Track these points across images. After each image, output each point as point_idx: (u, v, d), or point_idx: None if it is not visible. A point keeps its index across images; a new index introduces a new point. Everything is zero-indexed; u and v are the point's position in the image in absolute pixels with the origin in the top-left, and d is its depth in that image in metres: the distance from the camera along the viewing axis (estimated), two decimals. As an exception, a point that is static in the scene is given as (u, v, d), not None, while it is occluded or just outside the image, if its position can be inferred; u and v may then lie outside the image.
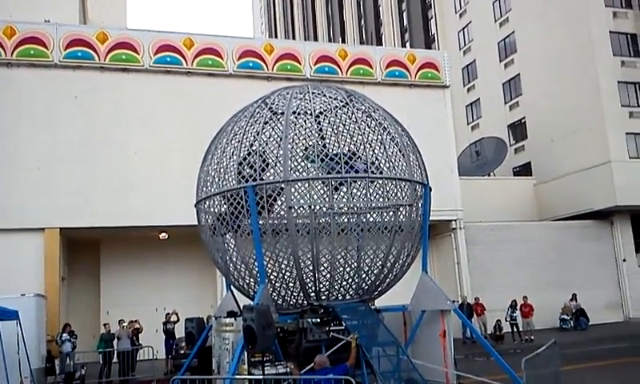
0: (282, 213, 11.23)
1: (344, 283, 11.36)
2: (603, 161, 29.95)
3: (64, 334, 18.47)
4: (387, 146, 11.43)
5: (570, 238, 29.68)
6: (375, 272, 11.33)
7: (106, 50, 22.38)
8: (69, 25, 23.49)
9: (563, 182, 31.95)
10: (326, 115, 12.02)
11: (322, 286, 11.22)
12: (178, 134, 22.49)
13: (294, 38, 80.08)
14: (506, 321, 24.59)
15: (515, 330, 24.39)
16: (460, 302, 23.48)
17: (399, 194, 11.46)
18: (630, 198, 29.09)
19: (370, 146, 11.39)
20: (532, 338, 23.43)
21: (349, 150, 11.20)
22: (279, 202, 11.15)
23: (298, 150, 12.05)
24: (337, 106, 11.85)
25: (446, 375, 11.31)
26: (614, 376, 14.16)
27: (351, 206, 11.22)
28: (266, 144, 11.85)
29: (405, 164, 11.48)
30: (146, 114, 22.58)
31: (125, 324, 19.84)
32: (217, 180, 11.55)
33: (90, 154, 21.71)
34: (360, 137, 11.34)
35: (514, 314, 24.54)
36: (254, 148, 11.47)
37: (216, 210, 11.68)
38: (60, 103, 21.74)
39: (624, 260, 30.27)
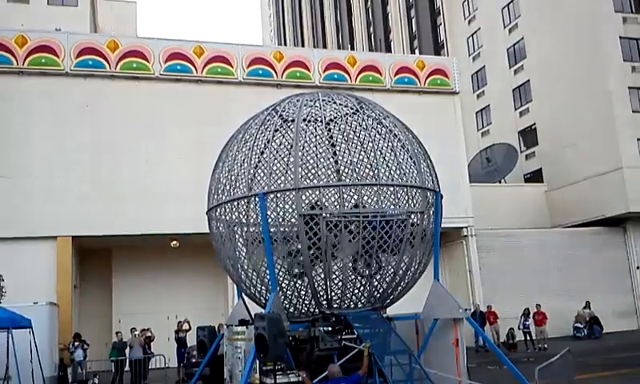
0: (293, 220, 11.21)
1: (356, 291, 11.31)
2: (615, 167, 29.73)
3: (75, 343, 18.57)
4: (398, 153, 11.39)
5: (582, 245, 29.44)
6: (387, 280, 11.28)
7: (117, 58, 22.51)
8: (80, 33, 23.71)
9: (575, 189, 31.73)
10: (336, 122, 12.02)
11: (333, 294, 11.17)
12: (189, 141, 22.56)
13: (302, 45, 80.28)
14: (519, 329, 24.40)
15: (528, 338, 24.18)
16: (472, 310, 23.34)
17: (410, 202, 11.41)
18: (642, 204, 28.84)
19: (381, 153, 11.36)
20: (546, 346, 23.23)
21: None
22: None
23: (308, 158, 12.05)
24: (347, 114, 11.85)
25: (458, 384, 11.23)
26: (629, 385, 14.00)
27: (362, 213, 11.17)
28: (277, 152, 11.85)
29: (416, 171, 11.44)
30: (156, 122, 22.66)
31: (137, 332, 19.88)
32: (228, 187, 11.56)
33: (101, 162, 21.83)
34: (370, 144, 11.32)
35: (527, 322, 24.33)
36: (264, 155, 11.49)
37: (227, 218, 11.68)
38: (71, 112, 21.88)
39: (638, 267, 29.98)
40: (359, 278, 11.21)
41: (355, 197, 11.45)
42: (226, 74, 23.79)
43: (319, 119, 11.77)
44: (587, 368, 15.81)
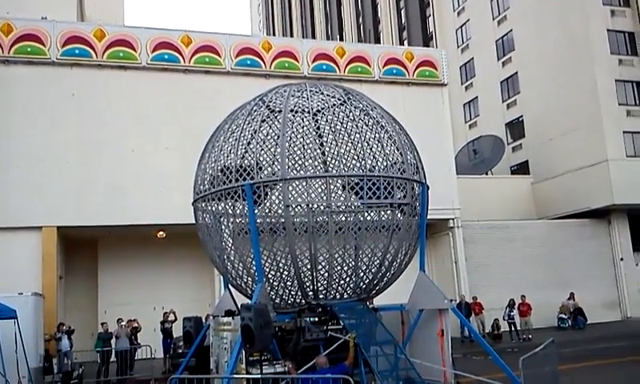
0: (280, 211, 11.20)
1: (342, 282, 11.34)
2: (600, 159, 29.98)
3: (63, 327, 18.60)
4: (385, 145, 11.39)
5: (567, 237, 29.72)
6: (373, 271, 11.30)
7: (104, 47, 22.32)
8: (66, 22, 23.40)
9: (561, 181, 31.97)
10: (323, 113, 12.00)
11: (319, 284, 11.20)
12: (176, 131, 22.46)
13: (291, 35, 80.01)
14: (504, 320, 24.60)
15: (513, 328, 24.40)
16: (458, 301, 23.48)
17: (397, 193, 11.43)
18: (627, 196, 29.13)
19: (368, 145, 11.36)
20: (530, 336, 23.45)
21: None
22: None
23: (295, 149, 12.04)
24: (335, 104, 11.83)
25: (443, 374, 11.30)
26: (611, 375, 14.16)
27: (349, 204, 11.20)
28: (264, 142, 11.83)
29: (402, 162, 11.45)
30: (143, 112, 22.52)
31: (123, 323, 19.83)
32: (214, 178, 11.51)
33: (87, 152, 21.67)
34: (358, 135, 11.32)
35: (512, 313, 24.55)
36: (251, 146, 11.45)
37: (213, 209, 11.65)
38: (57, 101, 21.67)
39: (621, 259, 30.31)
40: (345, 268, 11.24)
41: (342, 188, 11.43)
42: (213, 63, 23.66)
43: (306, 110, 11.73)
44: (571, 358, 16.01)
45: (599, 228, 30.66)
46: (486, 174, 35.39)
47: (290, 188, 11.34)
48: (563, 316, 27.39)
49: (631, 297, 29.92)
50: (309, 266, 10.95)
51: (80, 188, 21.34)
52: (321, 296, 11.20)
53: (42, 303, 18.27)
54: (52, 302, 20.20)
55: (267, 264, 11.09)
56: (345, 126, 11.64)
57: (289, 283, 11.17)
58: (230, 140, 11.43)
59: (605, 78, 31.29)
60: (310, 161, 12.19)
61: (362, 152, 11.18)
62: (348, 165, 11.85)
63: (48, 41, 21.73)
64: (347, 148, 11.74)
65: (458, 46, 43.89)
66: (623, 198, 29.08)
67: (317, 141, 12.14)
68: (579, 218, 30.66)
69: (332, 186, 11.64)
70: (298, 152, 12.17)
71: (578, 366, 15.22)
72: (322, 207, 11.39)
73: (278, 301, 11.40)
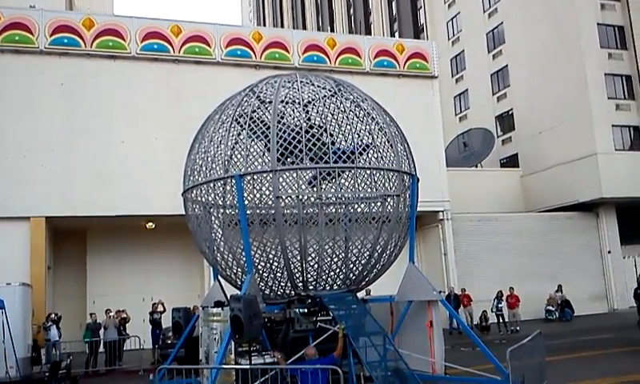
0: (270, 202, 11.20)
1: (331, 273, 11.37)
2: (589, 153, 30.13)
3: (52, 316, 18.57)
4: (375, 136, 11.42)
5: (555, 230, 29.90)
6: (363, 262, 11.34)
7: (93, 36, 22.14)
8: (55, 11, 23.20)
9: (550, 174, 32.13)
10: (314, 104, 11.97)
11: (309, 276, 11.22)
12: (165, 122, 22.35)
13: (282, 26, 79.69)
14: (492, 311, 24.74)
15: (501, 320, 24.55)
16: (447, 293, 23.60)
17: (387, 185, 11.46)
18: (615, 190, 29.33)
19: (359, 136, 11.36)
20: (518, 328, 23.61)
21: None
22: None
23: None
24: (325, 96, 11.82)
25: (431, 365, 11.38)
26: (598, 366, 14.29)
27: (339, 196, 11.22)
28: (254, 133, 11.79)
29: (393, 154, 11.48)
30: (132, 102, 22.39)
31: (112, 314, 19.79)
32: (204, 169, 11.49)
33: (75, 142, 21.52)
34: (348, 126, 11.31)
35: (500, 305, 24.68)
36: (241, 137, 11.43)
37: (203, 199, 11.63)
38: (46, 90, 21.49)
39: (609, 252, 30.54)
40: (335, 260, 11.26)
41: (333, 179, 11.45)
42: (203, 53, 23.54)
43: (297, 101, 11.71)
44: (557, 350, 16.15)
45: (587, 221, 30.86)
46: (476, 166, 35.52)
47: (281, 179, 11.35)
48: (551, 308, 27.59)
49: (618, 289, 30.17)
50: (298, 258, 10.97)
51: (69, 178, 21.21)
52: (310, 287, 11.23)
53: (30, 293, 18.17)
54: (40, 292, 20.08)
55: (257, 255, 11.09)
56: (335, 117, 11.64)
57: (278, 274, 11.19)
58: (220, 130, 11.40)
59: (594, 71, 31.43)
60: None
61: (352, 143, 11.19)
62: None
63: (36, 30, 21.53)
64: (338, 139, 11.73)
65: (449, 39, 43.90)
66: (611, 191, 29.28)
67: (307, 132, 12.11)
68: (568, 211, 30.85)
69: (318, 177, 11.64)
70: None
71: (564, 357, 15.35)
72: (312, 198, 11.41)
73: (267, 292, 11.42)
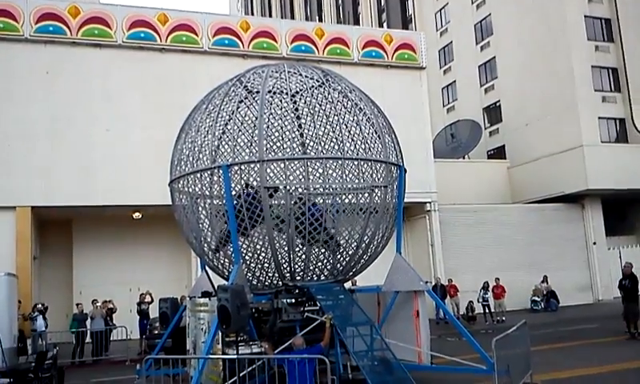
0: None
1: (319, 264, 11.38)
2: (575, 145, 30.33)
3: (38, 306, 18.50)
4: (363, 127, 11.42)
5: (542, 221, 30.11)
6: (350, 253, 11.37)
7: (78, 24, 21.91)
8: (40, -2, 22.92)
9: (536, 166, 32.32)
10: (302, 95, 11.96)
11: (296, 266, 11.23)
12: (153, 111, 22.19)
13: (270, 15, 79.22)
14: (479, 302, 24.91)
15: (487, 311, 24.73)
16: (433, 284, 23.72)
17: (374, 176, 11.48)
18: (601, 181, 29.56)
19: (346, 127, 11.37)
20: (503, 318, 23.80)
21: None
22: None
23: (273, 130, 11.99)
24: (313, 86, 11.80)
25: (418, 355, 11.46)
26: (583, 356, 14.44)
27: (326, 187, 11.22)
28: (242, 123, 11.77)
29: (380, 145, 11.49)
30: (119, 91, 22.20)
31: (98, 304, 19.72)
32: (191, 159, 11.44)
33: (61, 131, 21.33)
34: (336, 117, 11.30)
35: (486, 296, 24.85)
36: (228, 127, 11.39)
37: (190, 190, 11.58)
38: (31, 79, 21.26)
39: (594, 243, 30.82)
40: (322, 250, 11.28)
41: (320, 170, 11.44)
42: (190, 42, 23.38)
43: (285, 91, 11.69)
44: (542, 339, 16.31)
45: (573, 212, 31.11)
46: (463, 158, 35.64)
47: (268, 170, 11.33)
48: (536, 298, 27.83)
49: (603, 280, 30.44)
50: (286, 248, 10.97)
51: (55, 167, 21.04)
52: (298, 277, 11.25)
53: (16, 284, 18.05)
54: (26, 282, 19.96)
55: (244, 246, 11.08)
56: (323, 107, 11.62)
57: (266, 265, 11.18)
58: (207, 120, 11.36)
59: (581, 64, 31.59)
60: (288, 143, 12.16)
61: (340, 134, 11.19)
62: (326, 147, 11.87)
63: (21, 17, 21.27)
64: (325, 130, 11.74)
65: (437, 30, 43.90)
66: (597, 183, 29.50)
67: (295, 122, 12.09)
68: (554, 203, 31.06)
69: (310, 169, 11.64)
70: (276, 134, 12.12)
71: (549, 347, 15.51)
72: (299, 189, 11.40)
73: (254, 282, 11.41)
